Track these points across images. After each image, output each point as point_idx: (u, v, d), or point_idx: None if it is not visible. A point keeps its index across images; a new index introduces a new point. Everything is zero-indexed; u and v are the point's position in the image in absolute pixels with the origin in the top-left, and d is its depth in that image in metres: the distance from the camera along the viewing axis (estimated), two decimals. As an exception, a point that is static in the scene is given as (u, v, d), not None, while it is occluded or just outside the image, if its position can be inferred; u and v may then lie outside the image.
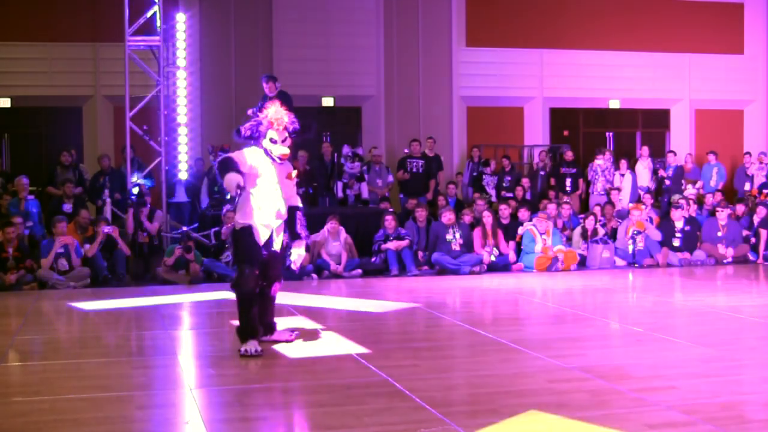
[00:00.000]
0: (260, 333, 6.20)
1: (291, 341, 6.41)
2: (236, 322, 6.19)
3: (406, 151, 14.38)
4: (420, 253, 11.84)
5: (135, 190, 12.12)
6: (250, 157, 6.05)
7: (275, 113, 6.13)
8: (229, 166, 5.85)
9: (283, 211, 6.20)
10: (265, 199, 6.10)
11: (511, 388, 5.03)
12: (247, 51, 15.33)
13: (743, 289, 10.07)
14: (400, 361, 5.82)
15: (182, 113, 13.06)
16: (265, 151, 6.12)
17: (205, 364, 5.91)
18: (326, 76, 15.64)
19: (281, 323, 6.76)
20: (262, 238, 6.09)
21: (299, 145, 13.01)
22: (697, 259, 12.43)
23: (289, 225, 6.29)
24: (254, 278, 6.08)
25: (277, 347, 6.20)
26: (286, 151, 6.14)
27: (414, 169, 14.03)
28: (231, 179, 5.78)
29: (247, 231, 6.06)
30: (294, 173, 6.27)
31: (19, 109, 14.98)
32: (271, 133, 6.07)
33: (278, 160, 6.12)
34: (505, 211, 12.37)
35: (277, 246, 6.22)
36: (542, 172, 15.02)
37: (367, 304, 8.87)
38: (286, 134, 6.13)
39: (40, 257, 10.36)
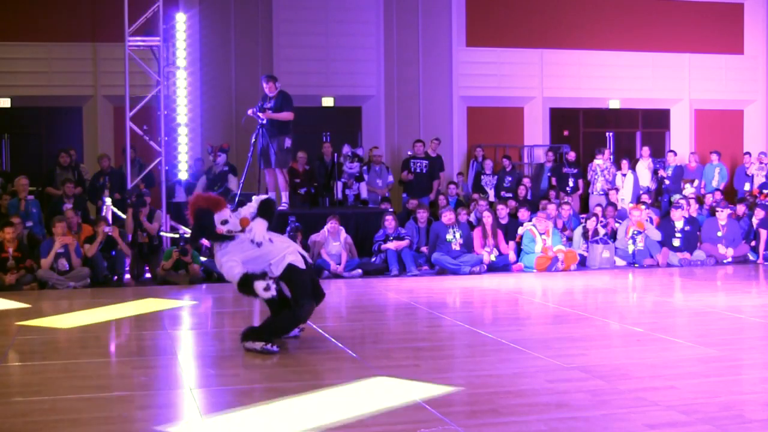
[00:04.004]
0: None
1: (298, 336, 6.52)
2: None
3: (409, 152, 14.39)
4: (423, 249, 11.85)
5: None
6: (223, 238, 6.03)
7: (204, 201, 6.09)
8: (249, 281, 5.87)
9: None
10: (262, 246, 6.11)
11: (511, 388, 5.03)
12: (247, 51, 15.33)
13: (743, 289, 10.06)
14: (400, 361, 5.83)
15: (182, 113, 13.07)
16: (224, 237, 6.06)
17: (205, 364, 5.91)
18: (326, 76, 15.65)
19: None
20: (303, 262, 6.20)
21: (299, 146, 13.08)
22: (697, 259, 12.42)
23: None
24: (312, 310, 6.26)
25: (277, 347, 6.20)
26: (247, 218, 6.12)
27: (418, 170, 14.03)
28: (258, 288, 5.84)
29: (294, 269, 6.12)
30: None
31: (19, 109, 14.98)
32: (218, 217, 5.99)
33: (242, 232, 6.05)
34: (502, 210, 12.37)
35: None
36: (549, 174, 15.07)
37: (367, 304, 8.88)
38: (228, 210, 6.11)
39: (40, 257, 10.37)
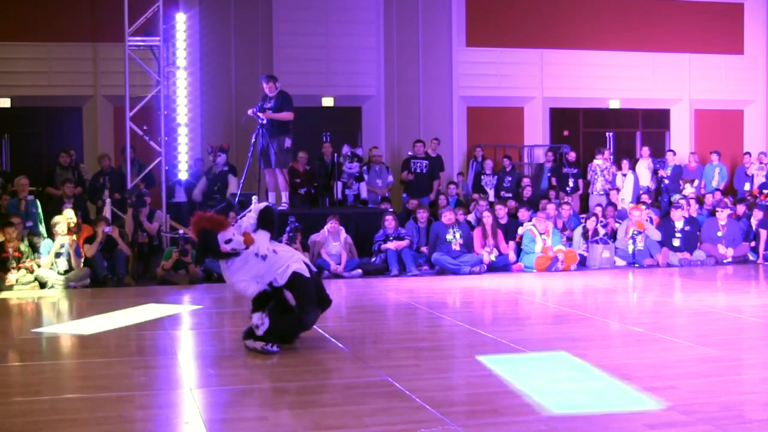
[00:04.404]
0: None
1: (298, 336, 6.48)
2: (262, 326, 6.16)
3: (409, 152, 14.39)
4: (423, 249, 11.85)
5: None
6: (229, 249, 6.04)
7: (207, 222, 6.09)
8: (258, 303, 6.00)
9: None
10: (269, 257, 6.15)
11: (511, 388, 5.03)
12: (247, 51, 15.33)
13: (743, 289, 10.06)
14: (400, 361, 5.82)
15: (182, 113, 13.07)
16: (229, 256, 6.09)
17: (205, 364, 5.91)
18: (326, 76, 15.65)
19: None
20: (308, 271, 6.24)
21: (300, 146, 13.09)
22: (697, 259, 12.42)
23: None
24: (317, 318, 6.31)
25: (277, 347, 6.19)
26: (249, 233, 6.13)
27: (418, 170, 14.04)
28: (253, 319, 5.99)
29: (299, 277, 6.14)
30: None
31: (19, 109, 14.98)
32: (221, 237, 5.98)
33: (245, 249, 6.08)
34: (501, 210, 12.36)
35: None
36: (549, 174, 15.07)
37: (367, 304, 8.87)
38: (232, 228, 6.12)
39: (40, 257, 10.37)
